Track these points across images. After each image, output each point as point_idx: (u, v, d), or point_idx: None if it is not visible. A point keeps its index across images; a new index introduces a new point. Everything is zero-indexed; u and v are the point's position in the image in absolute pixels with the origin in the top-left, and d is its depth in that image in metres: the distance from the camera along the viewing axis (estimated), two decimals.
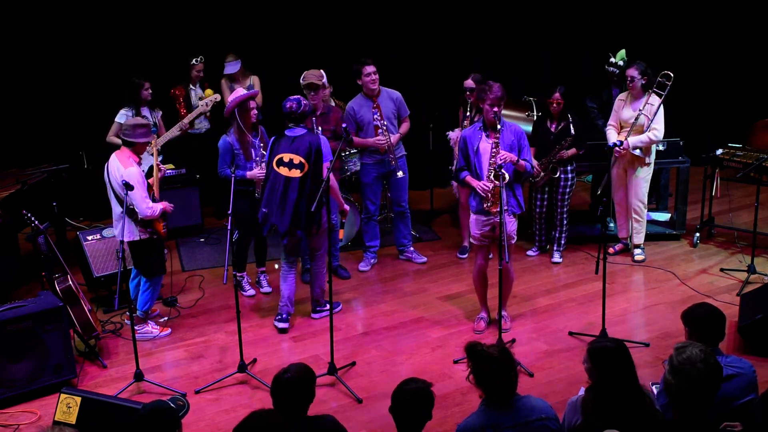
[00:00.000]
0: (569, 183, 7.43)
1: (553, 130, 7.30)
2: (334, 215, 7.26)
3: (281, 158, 6.12)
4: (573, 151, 7.27)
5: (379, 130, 7.22)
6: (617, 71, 7.84)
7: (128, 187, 5.74)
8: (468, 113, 7.52)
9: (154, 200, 6.11)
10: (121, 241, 5.54)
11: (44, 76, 8.53)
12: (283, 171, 6.11)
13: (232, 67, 8.22)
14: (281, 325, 6.42)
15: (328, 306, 6.31)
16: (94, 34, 8.57)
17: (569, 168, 7.38)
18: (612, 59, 7.92)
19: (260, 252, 7.17)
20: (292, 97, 6.24)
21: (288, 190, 6.11)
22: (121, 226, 5.79)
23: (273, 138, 6.28)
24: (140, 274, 6.31)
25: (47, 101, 8.59)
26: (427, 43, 9.67)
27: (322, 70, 7.05)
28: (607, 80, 8.08)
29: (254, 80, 8.38)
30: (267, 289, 7.15)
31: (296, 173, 6.08)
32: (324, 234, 6.25)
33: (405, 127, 7.43)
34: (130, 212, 5.93)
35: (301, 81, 7.04)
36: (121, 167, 5.93)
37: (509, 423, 3.71)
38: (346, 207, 6.52)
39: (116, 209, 6.08)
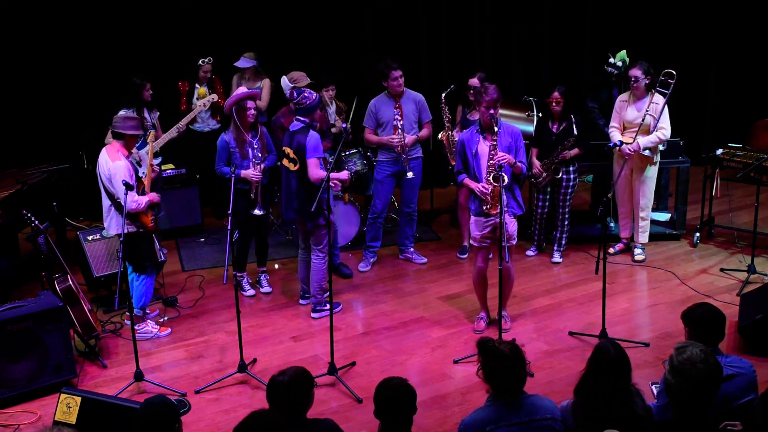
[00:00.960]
0: (571, 183, 7.43)
1: (554, 130, 7.30)
2: (331, 216, 7.29)
3: (284, 150, 6.40)
4: (576, 151, 7.28)
5: (398, 131, 7.23)
6: (616, 72, 7.84)
7: (128, 187, 5.76)
8: (468, 111, 7.51)
9: (143, 194, 6.13)
10: (121, 242, 5.52)
11: (44, 76, 8.53)
12: (285, 163, 6.39)
13: (244, 62, 8.23)
14: (303, 301, 6.82)
15: (327, 306, 6.35)
16: (94, 34, 8.57)
17: (571, 168, 7.38)
18: (611, 60, 7.92)
19: (261, 252, 7.17)
20: (299, 88, 6.48)
21: (289, 181, 6.40)
22: (122, 222, 5.78)
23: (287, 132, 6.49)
24: (132, 270, 6.32)
25: (47, 101, 8.59)
26: (427, 43, 9.68)
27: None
28: (606, 80, 8.08)
29: (264, 83, 8.37)
30: (267, 289, 7.15)
31: (292, 166, 6.33)
32: (322, 227, 6.34)
33: (424, 132, 7.45)
34: (118, 206, 5.95)
35: (291, 84, 7.03)
36: (108, 161, 5.96)
37: (515, 420, 3.72)
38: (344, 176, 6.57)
39: (105, 203, 6.15)
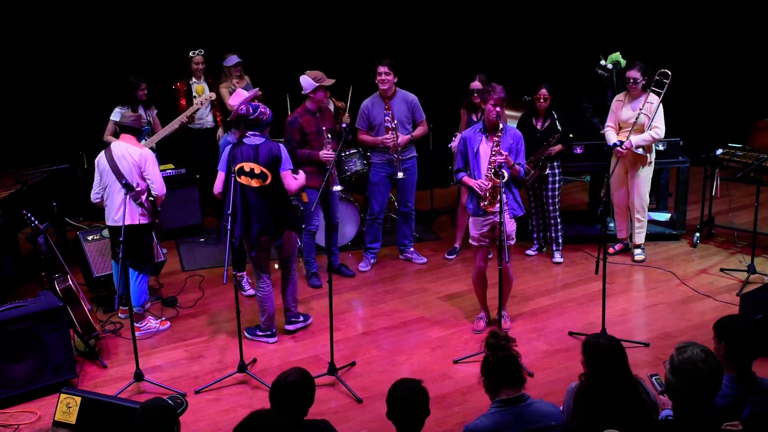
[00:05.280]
0: (557, 179, 7.44)
1: (539, 127, 7.31)
2: (337, 214, 7.29)
3: (242, 167, 5.85)
4: (559, 147, 7.29)
5: (390, 132, 7.22)
6: (606, 75, 7.86)
7: (129, 187, 5.78)
8: (475, 115, 7.48)
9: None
10: (120, 241, 5.50)
11: (44, 76, 8.53)
12: (244, 180, 5.86)
13: (234, 59, 8.22)
14: (273, 339, 6.28)
15: (301, 318, 6.39)
16: (94, 34, 8.57)
17: (556, 164, 7.39)
18: (602, 62, 7.93)
19: None
20: (252, 103, 6.03)
21: (250, 199, 5.90)
22: (124, 213, 5.78)
23: (230, 146, 5.97)
24: (130, 266, 6.29)
25: (47, 101, 8.59)
26: (428, 44, 9.68)
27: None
28: (599, 82, 8.10)
29: (248, 80, 8.39)
30: None
31: (257, 183, 5.86)
32: (293, 239, 6.20)
33: (419, 130, 7.41)
34: (133, 197, 6.01)
35: (316, 83, 6.77)
36: (135, 148, 6.13)
37: (520, 427, 3.68)
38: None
39: (119, 195, 5.98)
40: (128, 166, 6.07)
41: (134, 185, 6.02)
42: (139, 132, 6.40)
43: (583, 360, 3.91)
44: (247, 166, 5.85)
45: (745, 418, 3.68)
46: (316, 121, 6.87)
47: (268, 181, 5.87)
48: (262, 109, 5.92)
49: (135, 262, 6.28)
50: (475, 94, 7.39)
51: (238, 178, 5.85)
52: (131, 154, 6.09)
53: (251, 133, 5.91)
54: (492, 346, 3.80)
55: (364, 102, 7.37)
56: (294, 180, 5.95)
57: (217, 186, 6.01)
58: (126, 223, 5.71)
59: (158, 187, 6.18)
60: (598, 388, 3.75)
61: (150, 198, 6.17)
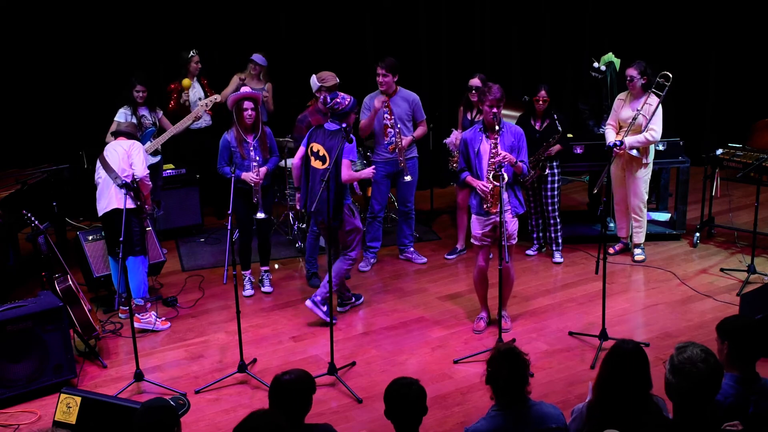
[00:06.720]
0: (556, 179, 7.45)
1: (537, 128, 7.32)
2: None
3: (311, 147, 6.34)
4: (558, 147, 7.30)
5: (389, 130, 7.24)
6: (600, 77, 7.87)
7: (128, 187, 5.80)
8: (470, 113, 7.51)
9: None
10: (121, 241, 5.52)
11: (44, 76, 8.53)
12: (311, 159, 6.35)
13: (260, 58, 8.29)
14: (341, 308, 6.73)
15: (353, 298, 6.72)
16: (94, 34, 8.57)
17: (555, 164, 7.41)
18: (595, 64, 7.94)
19: (264, 251, 7.15)
20: (333, 92, 6.52)
21: (311, 177, 6.37)
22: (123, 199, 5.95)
23: (313, 127, 6.48)
24: (126, 255, 6.31)
25: (47, 101, 8.59)
26: (428, 44, 9.68)
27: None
28: (595, 84, 8.11)
29: (268, 87, 8.39)
30: (268, 289, 7.14)
31: (318, 164, 6.29)
32: (351, 232, 6.40)
33: (419, 131, 7.45)
34: (125, 187, 6.13)
35: (319, 83, 7.11)
36: (127, 141, 6.45)
37: (519, 430, 3.65)
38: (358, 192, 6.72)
39: (107, 186, 6.32)
40: (117, 158, 6.30)
41: (122, 174, 6.24)
42: (134, 136, 6.63)
43: (604, 358, 3.82)
44: (315, 146, 6.33)
45: (747, 418, 3.68)
46: (325, 119, 6.88)
47: (327, 164, 6.22)
48: (339, 100, 6.26)
49: (126, 247, 6.26)
50: (473, 91, 7.39)
51: (310, 156, 6.37)
52: (121, 146, 6.39)
53: (331, 120, 6.32)
54: (501, 359, 3.71)
55: (366, 96, 7.43)
56: (348, 171, 6.24)
57: (297, 156, 6.52)
58: (113, 207, 6.04)
59: (138, 169, 6.34)
60: (612, 392, 3.70)
61: (133, 184, 6.30)
